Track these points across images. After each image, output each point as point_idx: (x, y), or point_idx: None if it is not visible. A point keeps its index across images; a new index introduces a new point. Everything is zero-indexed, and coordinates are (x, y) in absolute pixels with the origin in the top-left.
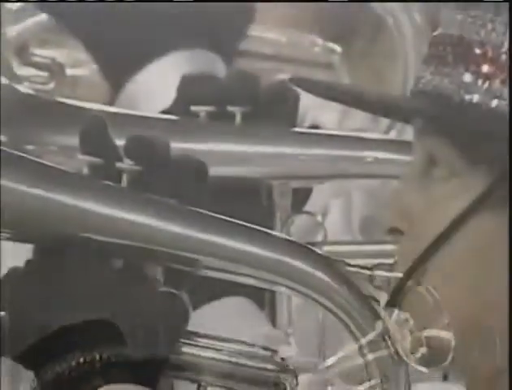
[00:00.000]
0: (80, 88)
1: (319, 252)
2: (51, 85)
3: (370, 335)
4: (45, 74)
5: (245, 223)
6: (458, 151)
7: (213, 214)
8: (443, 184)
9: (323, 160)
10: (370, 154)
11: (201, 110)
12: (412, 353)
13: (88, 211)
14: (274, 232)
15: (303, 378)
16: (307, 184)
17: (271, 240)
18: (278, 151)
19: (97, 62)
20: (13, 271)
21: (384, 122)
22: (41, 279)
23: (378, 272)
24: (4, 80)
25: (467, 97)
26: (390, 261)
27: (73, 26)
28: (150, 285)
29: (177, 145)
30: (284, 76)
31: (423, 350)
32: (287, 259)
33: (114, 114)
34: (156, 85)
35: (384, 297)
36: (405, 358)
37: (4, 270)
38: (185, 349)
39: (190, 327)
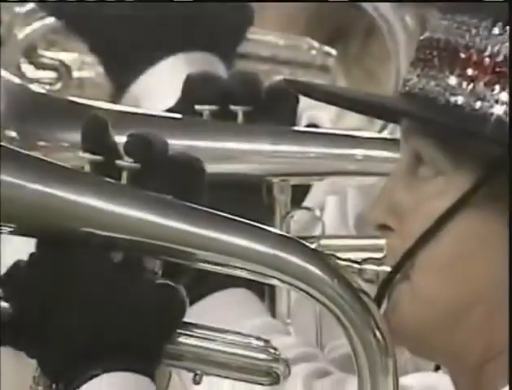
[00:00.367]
0: (86, 89)
1: (311, 246)
2: (58, 86)
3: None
4: (52, 75)
5: (239, 218)
6: (444, 151)
7: (208, 210)
8: (429, 182)
9: (321, 158)
10: (366, 153)
11: (205, 109)
12: None
13: (88, 206)
14: (267, 227)
15: (302, 366)
16: (306, 181)
17: (265, 235)
18: (278, 149)
19: (102, 64)
20: (17, 264)
21: (379, 121)
22: (43, 272)
23: (367, 266)
24: (17, 79)
25: (452, 98)
26: (379, 255)
27: (79, 28)
28: (148, 277)
29: (181, 143)
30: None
31: None
32: (279, 253)
33: (122, 112)
34: (159, 87)
35: (373, 290)
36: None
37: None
38: (181, 339)
39: (193, 318)
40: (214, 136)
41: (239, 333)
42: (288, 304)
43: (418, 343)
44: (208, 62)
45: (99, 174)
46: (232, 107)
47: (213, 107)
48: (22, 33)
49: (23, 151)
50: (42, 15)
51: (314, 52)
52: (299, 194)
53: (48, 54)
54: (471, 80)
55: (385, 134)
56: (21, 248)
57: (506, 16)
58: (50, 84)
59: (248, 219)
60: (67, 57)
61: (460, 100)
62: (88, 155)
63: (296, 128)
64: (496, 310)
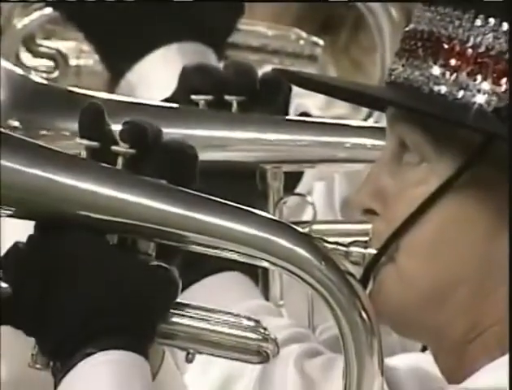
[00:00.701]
0: (83, 77)
1: (300, 230)
2: (55, 74)
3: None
4: (50, 63)
5: (230, 202)
6: (427, 138)
7: (200, 194)
8: (413, 168)
9: (312, 146)
10: (356, 141)
11: (201, 99)
12: None
13: (85, 191)
14: (258, 211)
15: (293, 347)
16: (298, 168)
17: (255, 218)
18: (271, 137)
19: (97, 52)
20: (16, 246)
21: (364, 110)
22: (41, 253)
23: (354, 249)
24: (19, 70)
25: (436, 88)
26: (365, 238)
27: (75, 18)
28: (143, 259)
29: (178, 131)
30: (270, 68)
31: None
32: (269, 236)
33: (120, 102)
34: (153, 75)
35: (359, 272)
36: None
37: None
38: (175, 319)
39: (189, 300)
40: (210, 125)
41: (230, 313)
42: (280, 287)
43: (402, 323)
44: (200, 51)
45: (95, 159)
46: (227, 97)
47: (208, 97)
48: (21, 23)
49: (22, 137)
50: (40, 6)
51: (302, 42)
52: (292, 181)
53: (46, 43)
54: (454, 70)
55: (371, 122)
56: (21, 230)
57: (488, 8)
58: (48, 72)
59: (242, 205)
60: (64, 46)
61: (443, 89)
62: (85, 141)
63: (288, 117)
64: (478, 292)
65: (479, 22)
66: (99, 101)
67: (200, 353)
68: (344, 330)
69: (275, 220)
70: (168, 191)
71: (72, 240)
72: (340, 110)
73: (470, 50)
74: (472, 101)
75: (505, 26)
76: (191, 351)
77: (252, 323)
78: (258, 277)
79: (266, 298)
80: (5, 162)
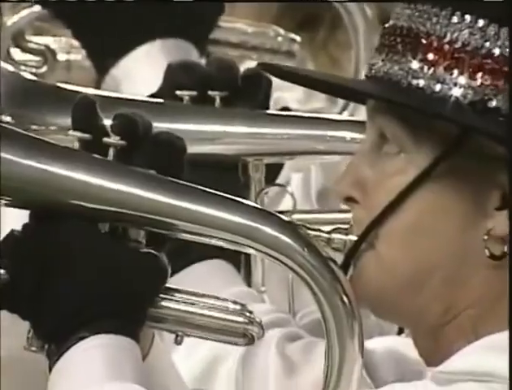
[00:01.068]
0: (73, 71)
1: (284, 218)
2: (44, 69)
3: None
4: (38, 59)
5: (217, 192)
6: (406, 130)
7: (187, 184)
8: (392, 159)
9: (292, 139)
10: (333, 133)
11: (185, 94)
12: None
13: (78, 181)
14: (243, 200)
15: (275, 331)
16: (279, 160)
17: (241, 207)
18: (253, 131)
19: (84, 48)
20: (12, 234)
21: (340, 103)
22: (36, 241)
23: (335, 235)
24: (10, 68)
25: (414, 81)
26: (346, 226)
27: (63, 16)
28: (133, 246)
29: (164, 126)
30: (250, 63)
31: None
32: (254, 224)
33: (108, 97)
34: (137, 70)
35: (340, 258)
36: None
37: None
38: (164, 303)
39: (176, 286)
40: (194, 120)
41: (217, 298)
42: (262, 274)
43: (381, 306)
44: (183, 48)
45: (88, 151)
46: (210, 92)
47: (192, 93)
48: (10, 21)
49: (18, 130)
50: (29, 4)
51: (280, 39)
52: (272, 172)
53: (35, 39)
54: (432, 64)
55: (346, 115)
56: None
57: (464, 6)
58: (37, 67)
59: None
60: (55, 41)
61: (421, 83)
62: (77, 133)
63: (269, 112)
64: (453, 277)
65: (455, 19)
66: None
67: (188, 335)
68: (326, 314)
69: (259, 209)
70: (157, 181)
71: (66, 228)
72: (317, 104)
73: (447, 46)
74: (449, 95)
75: (481, 22)
76: (179, 334)
77: (238, 307)
78: (241, 265)
79: (249, 285)
80: (2, 154)
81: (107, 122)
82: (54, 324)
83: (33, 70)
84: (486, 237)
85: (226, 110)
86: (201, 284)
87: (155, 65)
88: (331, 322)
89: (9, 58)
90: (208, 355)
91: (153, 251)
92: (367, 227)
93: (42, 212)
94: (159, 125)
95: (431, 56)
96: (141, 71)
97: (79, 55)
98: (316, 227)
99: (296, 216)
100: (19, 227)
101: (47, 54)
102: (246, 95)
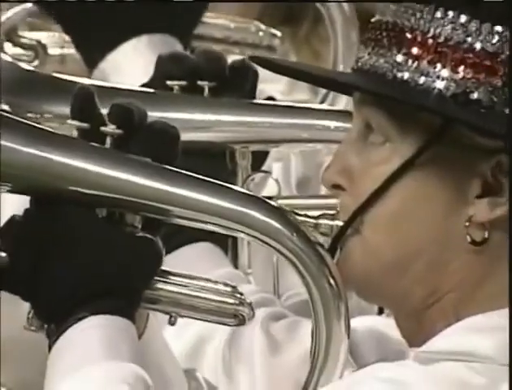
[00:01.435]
0: (67, 64)
1: (273, 203)
2: (35, 63)
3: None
4: (30, 53)
5: (209, 179)
6: (391, 120)
7: (182, 171)
8: (378, 148)
9: (277, 127)
10: (317, 122)
11: (175, 84)
12: None
13: (76, 168)
14: (234, 186)
15: (260, 310)
16: (264, 148)
17: (232, 193)
18: (240, 120)
19: (73, 43)
20: (13, 218)
21: (320, 94)
22: (36, 225)
23: (322, 221)
24: (8, 58)
25: (399, 74)
26: (333, 212)
27: (54, 12)
28: (129, 231)
29: (155, 114)
30: (233, 57)
31: None
32: (244, 209)
33: (102, 87)
34: (125, 64)
35: (327, 242)
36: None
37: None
38: (158, 285)
39: (167, 267)
40: (184, 109)
41: (209, 280)
42: (248, 257)
43: (366, 288)
44: (168, 42)
45: (86, 139)
46: (199, 83)
47: (182, 83)
48: (4, 17)
49: (18, 118)
50: (22, 0)
51: (261, 34)
52: (258, 159)
53: (27, 34)
54: (416, 58)
55: (326, 105)
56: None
57: (447, 2)
58: (29, 61)
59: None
60: (49, 37)
61: (406, 75)
62: (76, 122)
63: (255, 101)
64: (435, 262)
65: (438, 14)
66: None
67: (181, 316)
68: (313, 295)
69: (250, 195)
70: (153, 168)
71: (65, 213)
72: (300, 95)
73: (430, 40)
74: (432, 87)
75: (463, 18)
76: (173, 315)
77: (229, 289)
78: (228, 247)
79: (236, 267)
80: (3, 142)
81: (102, 111)
82: (53, 305)
83: (25, 64)
84: (467, 224)
85: (214, 99)
86: (190, 266)
87: (142, 59)
88: (318, 303)
89: (2, 52)
90: (196, 335)
91: (148, 235)
92: (353, 212)
93: (42, 198)
94: (151, 114)
95: (415, 50)
96: (129, 65)
97: (72, 49)
98: (302, 212)
99: (280, 201)
100: (18, 213)
101: (38, 49)
102: (233, 85)
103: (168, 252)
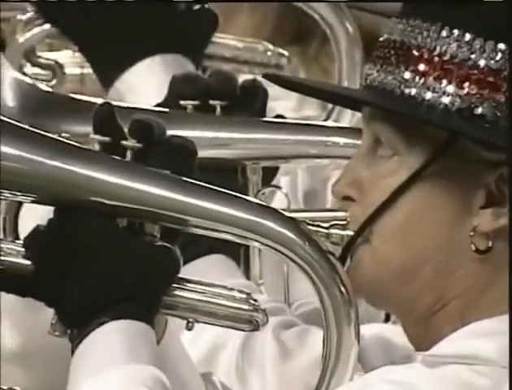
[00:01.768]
0: (86, 83)
1: (286, 214)
2: (53, 82)
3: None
4: (48, 73)
5: (226, 191)
6: (399, 134)
7: (199, 183)
8: (386, 161)
9: (286, 144)
10: (325, 139)
11: (188, 103)
12: None
13: (99, 180)
14: (249, 198)
15: (271, 319)
16: (274, 164)
17: (247, 204)
18: (250, 137)
19: (89, 63)
20: (37, 228)
21: (327, 110)
22: (60, 235)
23: (333, 231)
24: (28, 80)
25: (407, 90)
26: (343, 222)
27: (70, 33)
28: (148, 240)
29: (168, 133)
30: (244, 76)
31: None
32: (259, 219)
33: (118, 107)
34: (139, 83)
35: (338, 251)
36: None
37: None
38: (176, 292)
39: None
40: (197, 127)
41: (225, 287)
42: (260, 268)
43: (375, 295)
44: (180, 62)
45: (107, 153)
46: (211, 102)
47: (195, 102)
48: (23, 38)
49: (44, 133)
50: (40, 22)
51: (269, 53)
52: (268, 175)
53: (45, 54)
54: (423, 74)
55: (331, 120)
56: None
57: (453, 21)
58: (47, 80)
59: None
60: (69, 57)
61: (413, 91)
62: (98, 137)
63: (265, 119)
64: (442, 270)
65: (444, 33)
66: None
67: (198, 322)
68: (325, 302)
69: (263, 205)
70: (171, 180)
71: (87, 223)
72: (309, 112)
73: (436, 58)
74: (438, 102)
75: (468, 36)
76: (191, 320)
77: (243, 296)
78: (240, 259)
79: (248, 278)
80: (29, 155)
81: None
82: (76, 311)
83: (44, 83)
84: (472, 233)
85: (226, 118)
86: (205, 277)
87: (156, 78)
88: (329, 309)
89: (21, 73)
90: (210, 342)
91: (167, 244)
92: (363, 223)
93: (65, 208)
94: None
95: (422, 67)
96: (143, 84)
97: (91, 69)
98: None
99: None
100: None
101: (56, 68)
102: (244, 104)
103: (184, 263)
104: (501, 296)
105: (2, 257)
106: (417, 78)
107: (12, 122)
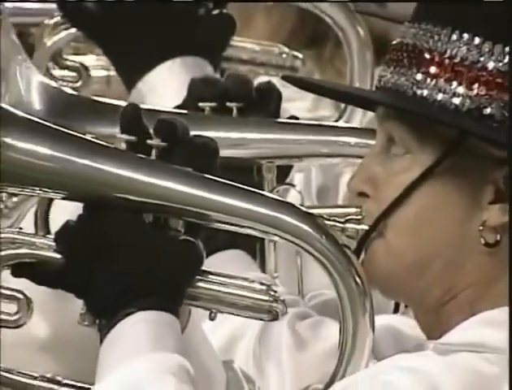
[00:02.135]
0: (112, 84)
1: (304, 209)
2: (79, 83)
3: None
4: (74, 74)
5: (246, 187)
6: (411, 133)
7: (221, 180)
8: (399, 159)
9: (300, 143)
10: (337, 139)
11: (206, 105)
12: None
13: (125, 177)
14: (268, 193)
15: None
16: (288, 163)
17: (267, 200)
18: (266, 137)
19: (114, 65)
20: (67, 223)
21: (338, 111)
22: (89, 229)
23: (349, 225)
24: (53, 83)
25: (419, 91)
26: (359, 217)
27: (96, 37)
28: (173, 234)
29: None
30: (261, 78)
31: None
32: (278, 214)
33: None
34: (160, 84)
35: (353, 245)
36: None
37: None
38: (200, 284)
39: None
40: (214, 128)
41: (245, 279)
42: (275, 262)
43: (388, 287)
44: (199, 64)
45: (134, 151)
46: (228, 104)
47: (213, 104)
48: (50, 41)
49: (73, 133)
50: (67, 26)
51: (284, 56)
52: (283, 173)
53: (71, 57)
54: (434, 76)
55: (343, 120)
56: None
57: (463, 25)
58: (73, 82)
59: None
60: (96, 60)
61: (425, 92)
62: (125, 136)
63: (279, 120)
64: (452, 263)
65: (454, 37)
66: (119, 108)
67: (221, 312)
68: (341, 293)
69: (282, 201)
70: (194, 177)
71: (115, 218)
72: (324, 112)
73: (447, 60)
74: (449, 103)
75: (477, 40)
76: (213, 311)
77: (264, 287)
78: (256, 254)
79: (263, 271)
80: (60, 154)
81: None
82: (104, 302)
83: (70, 84)
84: (481, 228)
85: (242, 119)
86: (224, 270)
87: (176, 80)
88: (345, 300)
89: (48, 75)
90: (228, 333)
91: (190, 238)
92: (377, 218)
93: (94, 204)
94: None
95: (433, 69)
96: (164, 86)
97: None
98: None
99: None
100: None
101: (82, 71)
102: (259, 106)
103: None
104: (508, 287)
105: (34, 251)
106: (428, 80)
107: (44, 122)
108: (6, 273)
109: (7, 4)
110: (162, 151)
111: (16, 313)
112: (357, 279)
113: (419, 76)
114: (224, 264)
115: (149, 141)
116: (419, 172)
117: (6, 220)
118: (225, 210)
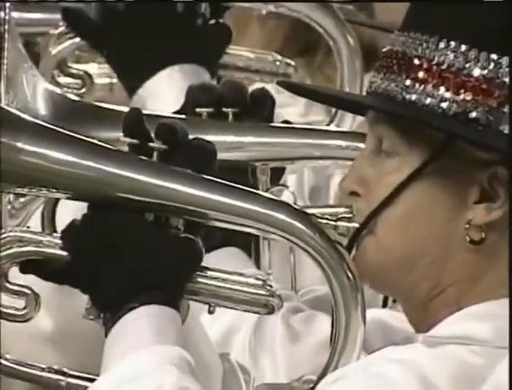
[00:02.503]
0: (115, 91)
1: (297, 207)
2: (83, 90)
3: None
4: (78, 82)
5: (242, 186)
6: (401, 136)
7: (219, 180)
8: (389, 160)
9: (292, 146)
10: (328, 142)
11: (203, 111)
12: None
13: (128, 178)
14: (263, 193)
15: None
16: (281, 165)
17: (262, 199)
18: (260, 141)
19: (115, 72)
20: (73, 222)
21: (329, 116)
22: (94, 228)
23: (340, 223)
24: (58, 90)
25: (408, 96)
26: (350, 215)
27: (98, 46)
28: (174, 232)
29: None
30: (256, 84)
31: None
32: (273, 213)
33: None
34: (160, 91)
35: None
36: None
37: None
38: (199, 279)
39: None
40: (211, 132)
41: (242, 274)
42: (269, 259)
43: (379, 282)
44: (197, 71)
45: (136, 154)
46: (224, 109)
47: (209, 109)
48: (55, 50)
49: (78, 136)
50: (71, 36)
51: (278, 63)
52: (276, 175)
53: (75, 65)
54: (422, 82)
55: (333, 124)
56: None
57: (450, 34)
58: (77, 89)
59: None
60: (91, 67)
61: (414, 97)
62: (127, 139)
63: (273, 124)
64: (439, 259)
65: (442, 44)
66: (120, 113)
67: (219, 306)
68: (334, 287)
69: (276, 200)
70: (193, 178)
71: (118, 217)
72: (315, 117)
73: (435, 67)
74: (437, 107)
75: (463, 47)
76: (212, 305)
77: (260, 282)
78: (251, 251)
79: (258, 268)
80: (66, 156)
81: None
82: (109, 297)
83: (74, 91)
84: (467, 226)
85: (237, 123)
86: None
87: (175, 86)
88: (338, 294)
89: (54, 82)
90: (225, 326)
91: (190, 236)
92: (368, 215)
93: (98, 204)
94: None
95: (421, 75)
96: (164, 91)
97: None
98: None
99: None
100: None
101: (85, 78)
102: (254, 111)
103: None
104: (494, 282)
105: (41, 249)
106: (417, 85)
107: (50, 127)
108: (15, 270)
109: (14, 14)
110: (163, 153)
111: (24, 308)
112: (349, 274)
113: (408, 82)
114: (221, 261)
115: (150, 144)
116: (408, 173)
117: (13, 220)
118: (223, 208)
